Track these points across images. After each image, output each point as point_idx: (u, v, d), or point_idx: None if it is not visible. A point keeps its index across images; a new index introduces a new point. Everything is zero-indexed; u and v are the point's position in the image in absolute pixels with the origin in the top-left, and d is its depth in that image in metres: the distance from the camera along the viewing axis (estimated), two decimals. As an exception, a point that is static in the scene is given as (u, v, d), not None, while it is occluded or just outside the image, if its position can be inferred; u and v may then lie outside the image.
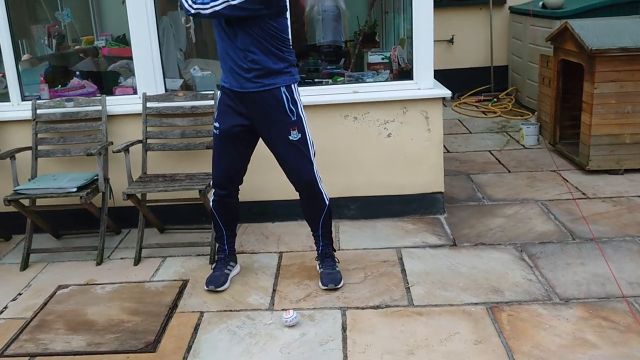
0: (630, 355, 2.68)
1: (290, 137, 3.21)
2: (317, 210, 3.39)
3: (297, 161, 3.26)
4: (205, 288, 3.42)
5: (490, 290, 3.27)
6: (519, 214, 4.23)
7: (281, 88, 3.16)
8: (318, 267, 3.50)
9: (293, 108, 3.19)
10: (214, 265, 3.58)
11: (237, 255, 3.65)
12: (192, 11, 3.00)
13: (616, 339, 2.80)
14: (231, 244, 3.59)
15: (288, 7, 3.23)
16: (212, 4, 2.95)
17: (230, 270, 3.54)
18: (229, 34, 3.10)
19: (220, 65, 3.28)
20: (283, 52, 3.15)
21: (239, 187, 3.48)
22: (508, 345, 2.78)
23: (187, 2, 3.01)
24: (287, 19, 3.19)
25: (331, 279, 3.38)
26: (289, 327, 3.01)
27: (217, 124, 3.31)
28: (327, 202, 3.38)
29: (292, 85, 3.21)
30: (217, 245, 3.62)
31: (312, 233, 3.51)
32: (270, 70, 3.12)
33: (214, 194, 3.45)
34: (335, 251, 3.55)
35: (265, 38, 3.06)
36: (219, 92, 3.39)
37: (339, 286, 3.37)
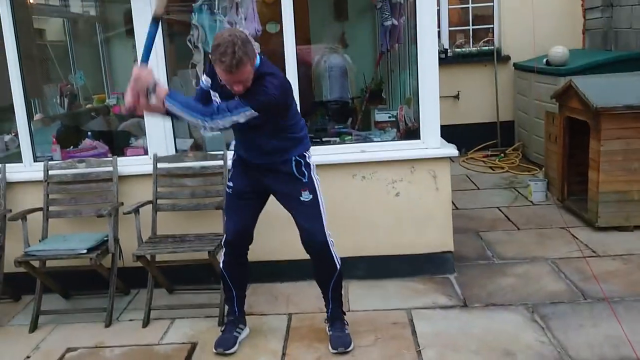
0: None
1: (302, 198, 3.27)
2: (328, 274, 3.40)
3: (310, 222, 3.30)
4: (214, 351, 3.39)
5: (502, 353, 3.23)
6: (529, 273, 4.21)
7: (293, 157, 3.27)
8: (327, 330, 3.48)
9: (305, 171, 3.28)
10: (223, 328, 3.56)
11: (246, 317, 3.63)
12: (209, 133, 3.14)
13: (632, 405, 2.75)
14: (241, 305, 3.58)
15: (295, 98, 3.35)
16: (221, 122, 3.00)
17: (240, 333, 3.51)
18: (242, 131, 3.23)
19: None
20: (295, 132, 3.28)
21: (249, 246, 3.51)
22: (522, 412, 2.73)
23: (204, 126, 3.02)
24: (296, 105, 3.32)
25: (341, 342, 3.35)
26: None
27: (230, 183, 3.40)
28: (338, 266, 3.39)
29: (305, 152, 3.31)
30: (226, 307, 3.61)
31: (322, 295, 3.50)
32: (284, 149, 3.25)
33: (224, 253, 3.47)
34: (344, 314, 3.53)
35: (277, 131, 3.20)
36: (229, 151, 3.45)
37: (349, 349, 3.33)
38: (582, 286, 3.95)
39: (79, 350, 3.56)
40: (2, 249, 4.05)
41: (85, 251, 3.76)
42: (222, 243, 3.50)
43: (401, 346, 3.36)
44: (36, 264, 3.93)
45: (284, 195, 3.35)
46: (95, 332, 3.77)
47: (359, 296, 4.01)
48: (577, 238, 4.78)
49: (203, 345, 3.50)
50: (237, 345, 3.44)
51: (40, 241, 4.03)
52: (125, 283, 4.24)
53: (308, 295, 4.01)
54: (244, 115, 2.97)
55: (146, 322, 3.81)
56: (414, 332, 3.50)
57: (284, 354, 3.37)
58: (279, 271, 4.26)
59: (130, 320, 3.91)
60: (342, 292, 3.51)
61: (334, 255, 3.36)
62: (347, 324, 3.49)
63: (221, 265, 3.50)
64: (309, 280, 4.02)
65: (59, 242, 3.93)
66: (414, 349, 3.33)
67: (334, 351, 3.32)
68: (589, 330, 3.41)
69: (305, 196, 3.28)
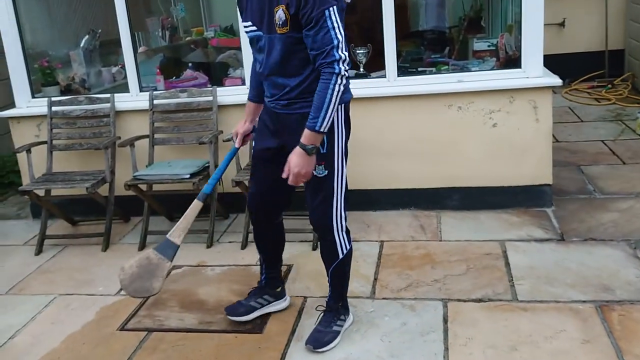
0: None
1: (315, 172, 2.67)
2: (328, 257, 2.88)
3: (317, 201, 2.76)
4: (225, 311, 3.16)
5: (600, 288, 3.16)
6: (633, 209, 4.03)
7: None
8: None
9: (326, 139, 2.64)
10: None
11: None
12: (345, 72, 2.50)
13: None
14: (269, 271, 3.14)
15: None
16: (340, 50, 2.48)
17: (260, 305, 3.14)
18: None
19: None
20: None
21: (278, 215, 3.12)
22: (618, 346, 2.68)
23: (341, 78, 2.49)
24: None
25: (314, 338, 2.88)
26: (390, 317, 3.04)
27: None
28: (341, 255, 2.84)
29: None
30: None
31: None
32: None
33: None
34: (343, 307, 3.00)
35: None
36: None
37: (317, 350, 2.84)
38: (690, 223, 3.76)
39: (183, 268, 3.80)
40: (112, 173, 4.32)
41: (188, 176, 3.96)
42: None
43: (493, 277, 3.35)
44: (144, 187, 4.17)
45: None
46: (198, 252, 4.00)
47: (452, 226, 4.01)
48: (688, 174, 4.52)
49: (297, 268, 3.64)
50: (248, 315, 3.09)
51: (147, 166, 4.27)
52: (225, 207, 4.44)
53: (399, 224, 4.07)
54: (334, 14, 2.44)
55: (244, 245, 4.00)
56: (507, 264, 3.48)
57: (375, 279, 3.44)
58: (371, 199, 4.30)
59: (230, 242, 4.12)
60: (346, 283, 2.97)
61: (338, 241, 2.81)
62: (342, 320, 2.97)
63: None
64: (400, 209, 4.08)
65: (164, 168, 4.15)
66: (506, 280, 3.31)
67: (306, 345, 2.87)
68: (695, 268, 3.27)
69: (320, 171, 2.68)
